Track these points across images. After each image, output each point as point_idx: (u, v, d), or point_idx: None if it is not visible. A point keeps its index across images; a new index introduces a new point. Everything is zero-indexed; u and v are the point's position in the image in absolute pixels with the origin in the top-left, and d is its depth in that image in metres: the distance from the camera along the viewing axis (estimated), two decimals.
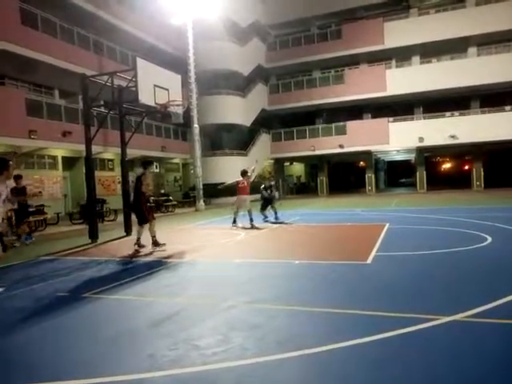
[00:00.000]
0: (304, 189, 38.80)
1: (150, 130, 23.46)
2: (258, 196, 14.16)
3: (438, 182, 34.06)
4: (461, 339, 3.40)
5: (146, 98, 10.52)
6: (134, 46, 21.75)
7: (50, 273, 6.88)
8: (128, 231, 11.91)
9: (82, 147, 12.08)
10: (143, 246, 8.82)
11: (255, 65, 31.37)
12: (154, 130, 23.96)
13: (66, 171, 20.26)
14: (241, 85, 29.61)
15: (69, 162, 20.29)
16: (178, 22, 22.15)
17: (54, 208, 16.58)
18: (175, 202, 21.89)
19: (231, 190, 13.92)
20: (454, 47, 29.13)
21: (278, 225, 12.53)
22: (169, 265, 7.22)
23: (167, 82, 11.41)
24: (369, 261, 6.63)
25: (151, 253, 8.45)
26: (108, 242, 10.75)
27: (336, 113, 32.11)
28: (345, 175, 39.85)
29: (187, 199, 25.22)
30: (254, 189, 15.36)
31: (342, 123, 30.72)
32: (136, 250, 8.68)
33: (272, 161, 33.63)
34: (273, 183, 14.13)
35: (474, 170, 29.57)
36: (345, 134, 30.16)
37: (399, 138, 28.92)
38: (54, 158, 19.53)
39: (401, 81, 28.85)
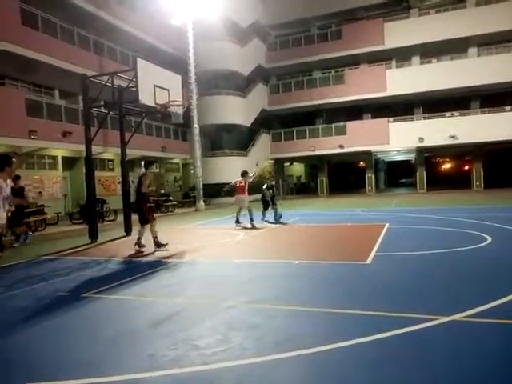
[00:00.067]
0: (304, 189, 38.80)
1: (150, 130, 23.48)
2: (259, 196, 14.09)
3: (438, 182, 34.06)
4: (460, 339, 3.40)
5: (146, 98, 10.53)
6: (135, 46, 21.77)
7: (51, 272, 6.89)
8: (128, 231, 11.91)
9: (82, 147, 12.09)
10: (143, 246, 8.83)
11: (255, 65, 31.38)
12: (154, 131, 23.98)
13: (65, 171, 20.27)
14: (241, 85, 29.62)
15: (69, 162, 20.31)
16: (178, 23, 22.17)
17: (54, 208, 16.59)
18: (175, 202, 21.90)
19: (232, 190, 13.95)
20: (454, 47, 29.13)
21: (277, 225, 12.53)
22: (169, 265, 7.23)
23: (167, 82, 11.42)
24: (368, 261, 6.64)
25: (151, 253, 8.45)
26: (108, 242, 10.75)
27: (336, 113, 32.12)
28: (345, 175, 39.86)
29: (187, 199, 25.23)
30: (256, 188, 15.34)
31: (342, 123, 30.72)
32: (137, 250, 8.70)
33: (272, 161, 33.64)
34: (273, 183, 14.14)
35: (474, 170, 29.57)
36: (345, 134, 30.16)
37: (399, 139, 28.92)
38: (54, 158, 19.55)
39: (401, 81, 28.86)
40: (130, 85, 11.02)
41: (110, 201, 17.58)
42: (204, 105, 25.98)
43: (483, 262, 6.23)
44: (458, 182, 32.94)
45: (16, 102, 15.69)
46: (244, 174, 12.68)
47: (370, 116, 32.08)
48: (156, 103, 10.85)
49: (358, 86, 29.56)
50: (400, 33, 29.22)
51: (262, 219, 13.15)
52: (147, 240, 8.91)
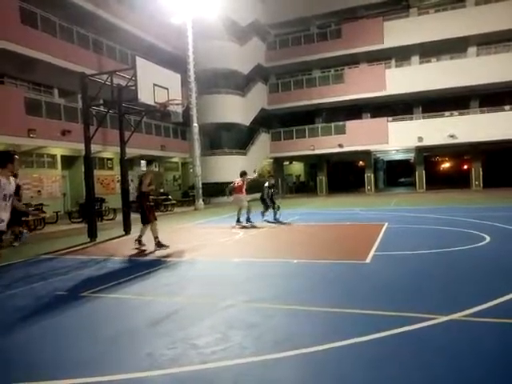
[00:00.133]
0: (303, 188, 38.81)
1: (149, 129, 23.45)
2: (258, 195, 14.03)
3: (437, 181, 34.06)
4: (458, 338, 3.41)
5: (145, 97, 10.52)
6: (134, 45, 21.73)
7: (49, 271, 6.89)
8: (127, 230, 11.91)
9: (82, 146, 12.09)
10: (143, 245, 8.86)
11: (255, 64, 31.35)
12: (153, 129, 23.95)
13: (65, 170, 20.25)
14: (240, 84, 29.59)
15: (68, 161, 20.29)
16: (177, 21, 22.13)
17: (53, 207, 16.58)
18: (174, 201, 21.89)
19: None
20: (453, 47, 29.12)
21: (276, 224, 12.53)
22: (168, 264, 7.23)
23: (167, 81, 11.41)
24: (368, 260, 6.65)
25: (152, 252, 8.46)
26: (107, 240, 10.75)
27: (335, 112, 32.10)
28: (344, 175, 39.86)
29: (186, 198, 25.23)
30: (256, 187, 15.26)
31: (341, 123, 30.70)
32: (136, 248, 8.72)
33: (271, 160, 33.63)
34: (273, 182, 14.07)
35: (473, 169, 29.59)
36: (344, 133, 30.15)
37: (398, 138, 28.92)
38: (53, 156, 19.52)
39: (400, 80, 28.85)
40: (130, 83, 11.01)
41: (109, 200, 17.58)
42: (203, 104, 25.96)
43: (482, 262, 6.24)
44: (457, 181, 32.96)
45: (15, 101, 15.66)
46: (243, 174, 12.81)
47: (369, 115, 32.07)
48: (155, 102, 10.84)
49: (358, 86, 29.55)
50: (399, 32, 29.20)
51: (262, 218, 13.13)
52: (148, 239, 8.93)
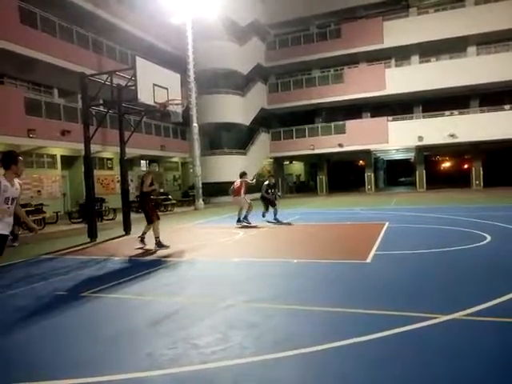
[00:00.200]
0: (303, 188, 38.81)
1: (149, 128, 23.45)
2: (258, 194, 13.99)
3: (438, 180, 34.06)
4: (459, 338, 3.40)
5: (145, 97, 10.51)
6: (134, 45, 21.73)
7: (50, 272, 6.88)
8: (127, 230, 11.91)
9: (81, 146, 12.08)
10: (145, 244, 8.86)
11: (254, 64, 31.34)
12: (153, 129, 23.95)
13: (64, 170, 20.25)
14: (240, 84, 29.59)
15: (68, 161, 20.28)
16: (177, 21, 22.12)
17: (53, 207, 16.58)
18: (174, 201, 21.88)
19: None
20: (453, 46, 29.12)
21: (276, 224, 12.48)
22: (168, 264, 7.22)
23: (166, 81, 11.40)
24: (368, 260, 6.64)
25: (152, 251, 8.45)
26: (107, 241, 10.75)
27: (335, 112, 32.09)
28: (344, 174, 39.85)
29: (186, 198, 25.23)
30: (256, 186, 15.23)
31: (341, 122, 30.69)
32: (140, 247, 8.79)
33: (271, 160, 33.63)
34: (274, 181, 13.93)
35: (474, 168, 29.58)
36: (344, 133, 30.14)
37: (398, 137, 28.92)
38: (53, 156, 19.52)
39: (400, 80, 28.84)
40: (129, 83, 11.01)
41: (109, 200, 17.57)
42: (203, 104, 25.97)
43: (482, 261, 6.23)
44: (457, 180, 32.97)
45: (15, 101, 15.66)
46: (242, 174, 12.75)
47: (369, 115, 32.06)
48: (155, 102, 10.83)
49: (357, 85, 29.55)
50: (399, 32, 29.20)
51: (264, 219, 13.03)
52: (149, 239, 8.96)
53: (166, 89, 11.22)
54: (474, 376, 2.80)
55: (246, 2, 29.16)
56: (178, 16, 21.59)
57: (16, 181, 4.72)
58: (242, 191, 12.42)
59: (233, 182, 12.85)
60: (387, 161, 44.15)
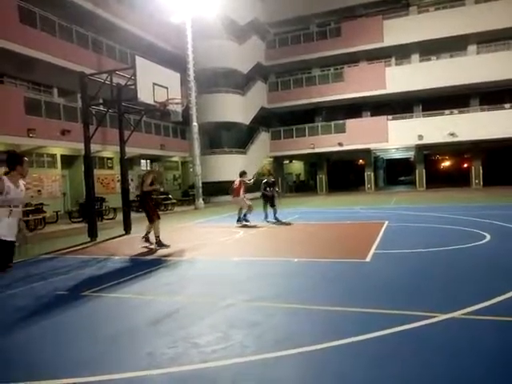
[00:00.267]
0: (303, 187, 38.80)
1: (149, 128, 23.45)
2: (258, 194, 13.95)
3: (438, 180, 34.04)
4: (458, 336, 3.41)
5: (145, 96, 10.51)
6: (133, 44, 21.71)
7: (50, 271, 6.89)
8: (127, 229, 11.92)
9: (81, 146, 12.09)
10: (151, 243, 8.88)
11: (254, 63, 31.32)
12: (153, 129, 23.94)
13: (64, 170, 20.25)
14: (240, 83, 29.57)
15: (68, 161, 20.28)
16: (177, 21, 22.11)
17: (53, 206, 16.58)
18: (174, 201, 21.89)
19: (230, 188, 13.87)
20: (453, 45, 29.07)
21: (276, 223, 12.45)
22: (168, 263, 7.23)
23: (166, 80, 11.40)
24: (368, 259, 6.65)
25: (153, 251, 8.47)
26: (107, 240, 10.76)
27: (335, 111, 32.07)
28: (344, 173, 39.82)
29: (186, 197, 25.24)
30: (257, 185, 15.17)
31: (341, 121, 30.67)
32: (145, 246, 8.82)
33: (271, 159, 33.63)
34: (274, 181, 13.78)
35: (473, 167, 29.58)
36: (344, 132, 30.13)
37: (398, 136, 28.91)
38: (53, 156, 19.52)
39: (400, 79, 28.82)
40: (129, 83, 11.01)
41: (110, 199, 17.58)
42: (203, 103, 25.96)
43: (482, 260, 6.24)
44: (457, 179, 32.95)
45: (15, 101, 15.65)
46: (242, 174, 12.68)
47: (369, 114, 32.04)
48: (155, 101, 10.83)
49: (357, 84, 29.53)
50: (399, 30, 29.16)
51: (264, 218, 12.80)
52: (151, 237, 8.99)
53: (166, 88, 11.22)
54: (473, 375, 2.81)
55: (246, 0, 29.13)
56: (177, 15, 21.59)
57: (21, 182, 4.66)
58: (241, 191, 12.31)
59: (233, 182, 12.80)
60: (387, 160, 44.12)
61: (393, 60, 31.39)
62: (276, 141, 32.50)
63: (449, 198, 20.31)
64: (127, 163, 13.42)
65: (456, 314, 3.85)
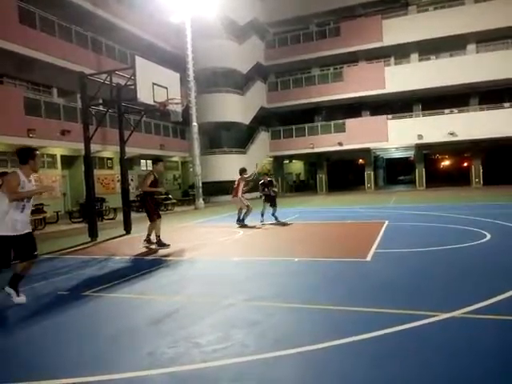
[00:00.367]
0: (303, 186, 38.83)
1: (148, 128, 23.46)
2: (258, 194, 13.82)
3: (437, 179, 34.07)
4: (458, 335, 3.42)
5: (144, 96, 10.51)
6: (133, 44, 21.72)
7: (51, 271, 6.89)
8: (127, 229, 11.92)
9: (81, 146, 12.09)
10: (152, 243, 8.87)
11: (254, 63, 31.33)
12: (152, 129, 23.96)
13: (65, 170, 20.26)
14: (239, 83, 29.58)
15: (68, 161, 20.29)
16: (176, 20, 22.11)
17: (54, 207, 16.59)
18: (175, 201, 21.90)
19: (230, 188, 13.83)
20: (452, 44, 29.09)
21: (276, 223, 12.39)
22: (168, 263, 7.24)
23: (166, 80, 11.40)
24: (368, 258, 6.65)
25: (152, 251, 8.47)
26: (108, 240, 10.76)
27: (335, 110, 32.08)
28: (344, 173, 39.86)
29: (186, 197, 25.25)
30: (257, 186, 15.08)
31: (340, 121, 30.69)
32: (145, 246, 8.79)
33: (271, 159, 33.64)
34: (272, 180, 13.24)
35: (473, 166, 29.59)
36: (344, 131, 30.15)
37: (398, 136, 28.92)
38: (53, 156, 19.52)
39: (399, 78, 28.83)
40: (129, 83, 11.01)
41: (110, 199, 17.58)
42: (203, 103, 25.97)
43: (482, 259, 6.25)
44: (457, 178, 32.97)
45: (14, 101, 15.66)
46: (241, 171, 12.31)
47: (368, 113, 32.06)
48: (155, 101, 10.84)
49: (357, 84, 29.54)
50: (398, 30, 29.17)
51: (261, 218, 12.42)
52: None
53: (166, 88, 11.23)
54: (473, 374, 2.81)
55: (245, 0, 29.13)
56: (177, 15, 21.59)
57: (32, 176, 4.68)
58: (240, 191, 12.00)
59: (234, 181, 12.58)
60: (387, 159, 44.14)
61: (392, 59, 31.41)
62: (276, 140, 32.52)
63: (449, 197, 20.32)
64: (127, 163, 13.42)
65: (456, 313, 3.85)
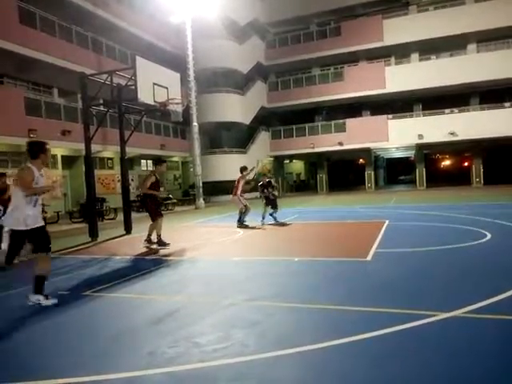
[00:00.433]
0: (303, 186, 38.83)
1: (149, 128, 23.47)
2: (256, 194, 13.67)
3: (438, 178, 34.06)
4: (459, 335, 3.42)
5: (145, 96, 10.52)
6: (133, 44, 21.73)
7: (51, 271, 6.88)
8: (128, 230, 11.92)
9: (82, 146, 12.10)
10: (153, 243, 8.87)
11: (254, 63, 31.33)
12: (153, 129, 23.97)
13: (65, 170, 20.27)
14: (240, 83, 29.59)
15: (68, 161, 20.30)
16: (176, 21, 22.12)
17: (54, 207, 16.60)
18: (175, 200, 21.91)
19: (230, 187, 13.77)
20: (453, 44, 29.07)
21: (276, 223, 12.32)
22: (169, 263, 7.24)
23: (166, 80, 11.41)
24: (369, 258, 6.65)
25: (152, 251, 8.48)
26: (108, 240, 10.77)
27: (335, 110, 32.09)
28: (344, 173, 39.85)
29: (187, 197, 25.26)
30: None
31: (341, 121, 30.69)
32: (146, 246, 8.79)
33: (271, 158, 33.64)
34: (271, 180, 12.88)
35: (474, 166, 29.58)
36: (344, 131, 30.15)
37: (398, 135, 28.91)
38: (54, 156, 19.51)
39: (400, 78, 28.82)
40: (129, 83, 11.01)
41: (110, 199, 17.58)
42: (203, 103, 25.97)
43: (482, 259, 6.24)
44: (457, 178, 32.93)
45: (15, 101, 15.67)
46: (242, 169, 12.07)
47: (369, 113, 32.06)
48: (155, 101, 10.84)
49: (357, 83, 29.53)
50: (399, 30, 29.15)
51: (262, 221, 12.13)
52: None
53: (166, 88, 11.23)
54: (472, 374, 2.81)
55: (245, 0, 29.13)
56: (177, 15, 21.60)
57: (43, 171, 4.68)
58: (239, 190, 11.77)
59: (234, 181, 12.46)
60: (387, 159, 44.14)
61: (392, 59, 31.40)
62: (276, 140, 32.52)
63: (449, 196, 20.31)
64: (127, 163, 13.42)
65: (456, 313, 3.85)
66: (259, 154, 30.43)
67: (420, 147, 30.16)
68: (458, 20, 27.67)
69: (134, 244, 9.45)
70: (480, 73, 26.90)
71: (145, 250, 8.64)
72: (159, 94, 10.94)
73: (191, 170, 24.75)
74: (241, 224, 11.68)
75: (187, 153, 26.54)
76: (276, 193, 12.58)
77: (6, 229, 4.59)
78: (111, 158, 22.54)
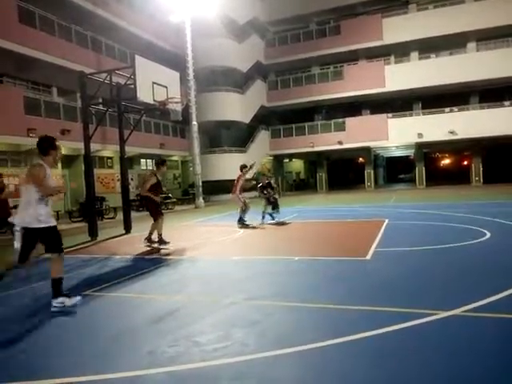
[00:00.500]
0: (303, 185, 38.84)
1: (148, 127, 23.45)
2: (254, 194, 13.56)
3: (438, 177, 34.08)
4: (459, 334, 3.42)
5: (144, 95, 10.51)
6: (133, 43, 21.68)
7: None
8: (127, 229, 11.92)
9: (81, 145, 12.09)
10: (154, 242, 8.87)
11: (254, 61, 31.31)
12: (152, 128, 23.95)
13: (65, 169, 20.24)
14: (239, 81, 29.57)
15: (68, 160, 20.26)
16: (176, 20, 22.10)
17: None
18: (175, 200, 21.91)
19: (230, 186, 13.74)
20: (452, 43, 29.06)
21: (276, 222, 12.31)
22: (169, 262, 7.24)
23: (166, 79, 11.40)
24: (368, 257, 6.65)
25: (152, 250, 8.48)
26: (108, 239, 10.77)
27: (335, 109, 32.10)
28: (344, 171, 39.86)
29: (187, 196, 25.25)
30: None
31: (340, 119, 30.70)
32: (147, 245, 8.80)
33: (271, 157, 33.63)
34: (270, 181, 12.77)
35: (473, 165, 29.60)
36: (344, 130, 30.15)
37: (398, 134, 28.92)
38: None
39: (400, 77, 28.82)
40: (128, 82, 11.00)
41: (110, 198, 17.58)
42: (202, 102, 25.96)
43: (482, 257, 6.25)
44: (457, 177, 32.95)
45: (14, 100, 15.66)
46: (242, 167, 11.96)
47: (368, 112, 32.06)
48: (154, 100, 10.83)
49: (357, 82, 29.52)
50: (398, 28, 29.15)
51: (262, 220, 12.07)
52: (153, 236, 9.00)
53: (166, 87, 11.22)
54: (472, 373, 2.82)
55: None
56: (176, 14, 21.57)
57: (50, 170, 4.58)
58: (238, 189, 11.68)
59: (234, 180, 12.41)
60: (387, 158, 44.15)
61: (392, 58, 31.39)
62: (276, 139, 32.52)
63: (449, 195, 20.32)
64: (127, 162, 13.41)
65: (456, 312, 3.86)
66: (259, 152, 30.48)
67: (420, 146, 30.17)
68: (458, 19, 27.66)
69: (133, 243, 9.46)
70: (480, 71, 26.90)
71: (145, 249, 8.64)
72: (158, 93, 10.93)
73: (191, 169, 24.73)
74: (242, 223, 11.68)
75: (187, 152, 26.53)
76: (277, 196, 12.41)
77: (17, 227, 4.50)
78: (111, 157, 22.52)
